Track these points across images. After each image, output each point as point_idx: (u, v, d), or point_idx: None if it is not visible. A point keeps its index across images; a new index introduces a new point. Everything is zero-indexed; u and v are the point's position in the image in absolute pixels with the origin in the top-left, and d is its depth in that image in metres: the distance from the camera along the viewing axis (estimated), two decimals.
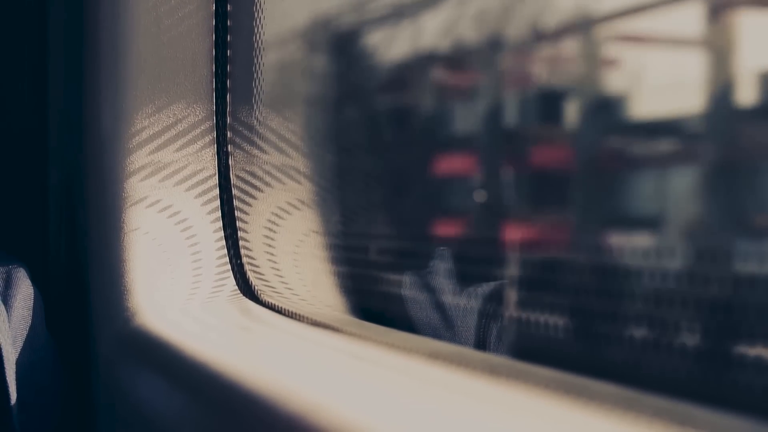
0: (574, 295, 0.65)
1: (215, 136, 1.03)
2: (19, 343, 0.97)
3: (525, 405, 0.56)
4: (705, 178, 0.61)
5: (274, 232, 1.03)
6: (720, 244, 0.56)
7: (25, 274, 1.00)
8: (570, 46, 0.70)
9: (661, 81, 0.65)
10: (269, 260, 1.03)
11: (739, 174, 0.58)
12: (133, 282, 0.99)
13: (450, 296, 0.90)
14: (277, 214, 1.04)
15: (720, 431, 0.47)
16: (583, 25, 0.68)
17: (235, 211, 1.03)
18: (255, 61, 1.03)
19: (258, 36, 1.02)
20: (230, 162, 1.03)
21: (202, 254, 1.02)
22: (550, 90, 0.75)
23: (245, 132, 1.04)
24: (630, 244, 0.64)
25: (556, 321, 0.66)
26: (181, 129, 1.02)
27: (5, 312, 0.96)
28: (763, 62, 0.58)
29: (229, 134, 1.04)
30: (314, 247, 1.05)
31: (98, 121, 1.04)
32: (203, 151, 1.03)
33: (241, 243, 1.03)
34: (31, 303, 0.99)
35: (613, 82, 0.68)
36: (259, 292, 1.01)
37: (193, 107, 1.02)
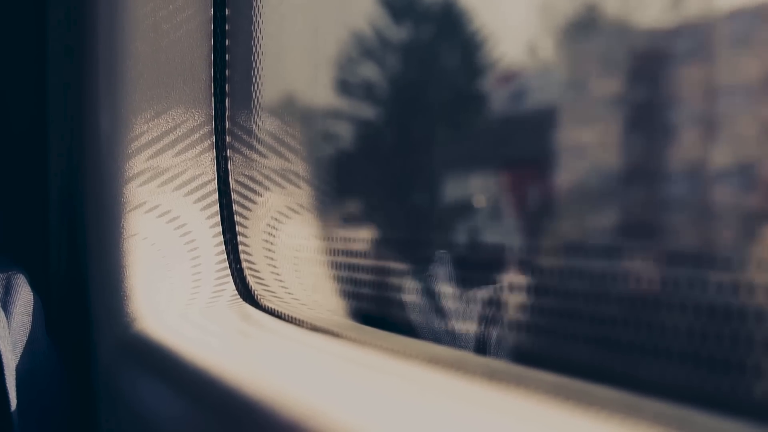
0: None
1: (214, 140, 1.03)
2: (20, 350, 0.97)
3: (525, 410, 0.56)
4: None
5: (274, 236, 1.03)
6: None
7: (25, 280, 1.00)
8: None
9: None
10: (269, 265, 1.03)
11: None
12: (132, 287, 0.99)
13: (450, 300, 0.90)
14: (276, 219, 1.04)
15: None
16: None
17: (235, 216, 1.03)
18: (254, 65, 1.03)
19: (256, 40, 1.03)
20: (229, 167, 1.03)
21: (201, 259, 1.02)
22: None
23: (244, 136, 1.04)
24: None
25: None
26: (179, 134, 1.02)
27: (5, 318, 0.96)
28: None
29: (228, 139, 1.04)
30: (313, 251, 1.05)
31: (97, 126, 1.04)
32: (202, 156, 1.03)
33: (240, 248, 1.03)
34: (31, 309, 0.99)
35: None
36: (258, 296, 1.01)
37: (192, 112, 1.02)
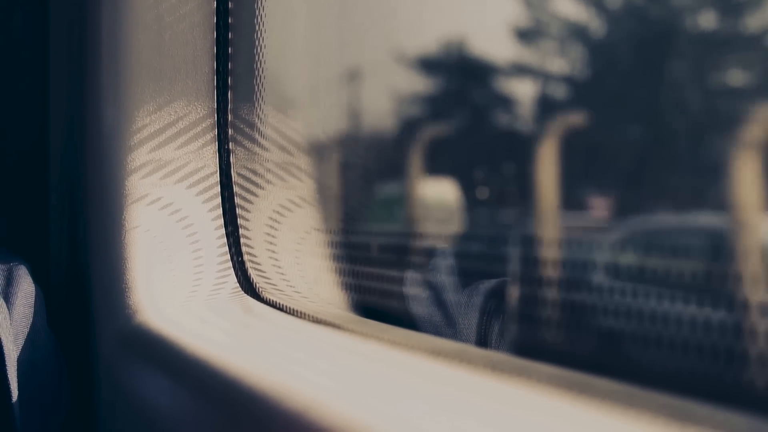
0: None
1: (216, 133, 1.03)
2: (21, 341, 0.97)
3: (527, 402, 0.56)
4: None
5: (276, 229, 1.03)
6: None
7: (27, 271, 1.00)
8: None
9: None
10: (270, 257, 1.03)
11: None
12: (134, 279, 0.99)
13: (452, 293, 0.90)
14: (278, 212, 1.04)
15: (721, 428, 0.47)
16: None
17: (237, 209, 1.03)
18: (256, 58, 1.03)
19: (259, 33, 1.02)
20: (231, 159, 1.03)
21: (203, 252, 1.02)
22: None
23: (247, 129, 1.04)
24: None
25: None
26: (182, 126, 1.02)
27: (7, 310, 0.96)
28: None
29: (230, 132, 1.04)
30: (315, 244, 1.05)
31: (99, 119, 1.04)
32: (204, 149, 1.03)
33: (242, 240, 1.03)
34: (32, 300, 0.99)
35: None
36: (260, 289, 1.01)
37: (195, 105, 1.02)
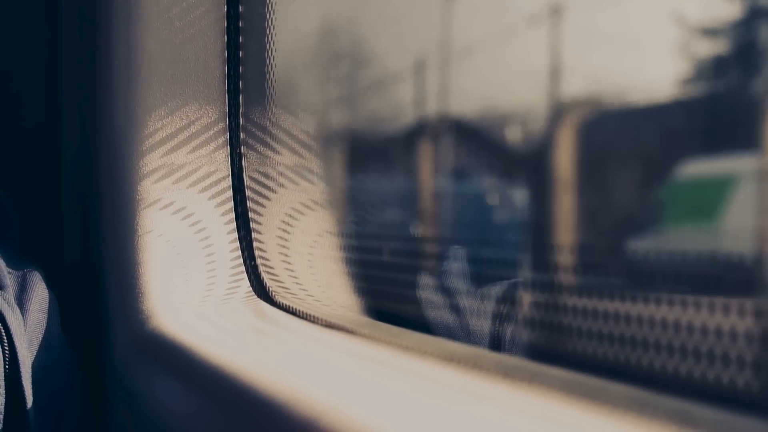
0: None
1: (228, 137, 1.03)
2: (35, 346, 0.97)
3: (540, 407, 0.56)
4: None
5: (288, 233, 1.03)
6: None
7: (40, 276, 1.00)
8: None
9: None
10: (283, 261, 1.03)
11: None
12: (147, 284, 0.99)
13: (464, 297, 0.90)
14: (290, 215, 1.04)
15: None
16: None
17: (249, 213, 1.03)
18: (267, 61, 1.03)
19: (270, 37, 1.03)
20: (243, 163, 1.03)
21: (216, 256, 1.02)
22: None
23: (258, 133, 1.04)
24: None
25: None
26: (194, 131, 1.02)
27: (21, 315, 0.96)
28: None
29: (242, 135, 1.04)
30: (328, 247, 1.05)
31: (111, 124, 1.04)
32: (216, 153, 1.03)
33: (255, 244, 1.03)
34: (46, 306, 0.99)
35: None
36: (273, 293, 1.01)
37: (206, 109, 1.03)
